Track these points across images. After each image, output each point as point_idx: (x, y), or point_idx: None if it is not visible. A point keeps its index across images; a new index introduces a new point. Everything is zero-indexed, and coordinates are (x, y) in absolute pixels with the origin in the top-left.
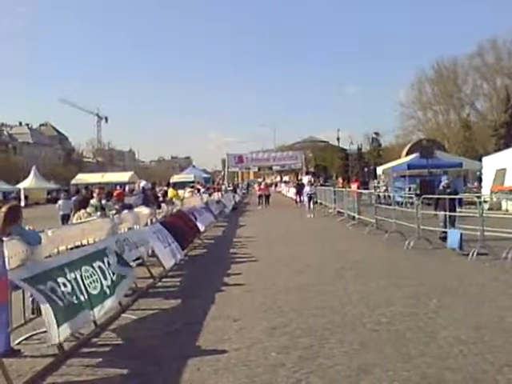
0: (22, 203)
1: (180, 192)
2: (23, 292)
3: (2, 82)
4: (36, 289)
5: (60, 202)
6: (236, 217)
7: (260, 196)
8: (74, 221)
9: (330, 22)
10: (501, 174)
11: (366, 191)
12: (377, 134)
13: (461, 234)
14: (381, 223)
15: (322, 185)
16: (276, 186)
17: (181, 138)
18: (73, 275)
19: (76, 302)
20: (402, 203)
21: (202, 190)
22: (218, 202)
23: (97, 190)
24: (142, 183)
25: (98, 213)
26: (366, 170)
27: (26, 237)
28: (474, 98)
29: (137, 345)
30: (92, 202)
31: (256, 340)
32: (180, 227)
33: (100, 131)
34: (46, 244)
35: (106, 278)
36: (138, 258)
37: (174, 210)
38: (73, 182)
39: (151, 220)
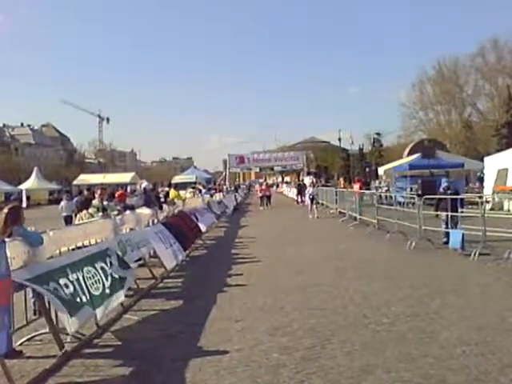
0: (24, 204)
1: (181, 193)
2: (25, 293)
3: (3, 82)
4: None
5: (62, 203)
6: (237, 217)
7: (261, 197)
8: (76, 222)
9: (330, 21)
10: (503, 173)
11: (367, 191)
12: (378, 134)
13: (463, 235)
14: (382, 224)
15: (323, 185)
16: (277, 186)
17: (182, 139)
18: (75, 276)
19: (78, 302)
20: (403, 203)
21: (204, 190)
22: (220, 202)
23: (99, 191)
24: (144, 184)
25: (100, 213)
26: (367, 170)
27: (28, 238)
28: (476, 98)
29: (138, 346)
30: (94, 202)
31: (258, 341)
32: (181, 228)
33: (101, 132)
34: (47, 245)
35: (107, 279)
36: (139, 259)
37: (176, 211)
38: (74, 182)
39: (153, 221)
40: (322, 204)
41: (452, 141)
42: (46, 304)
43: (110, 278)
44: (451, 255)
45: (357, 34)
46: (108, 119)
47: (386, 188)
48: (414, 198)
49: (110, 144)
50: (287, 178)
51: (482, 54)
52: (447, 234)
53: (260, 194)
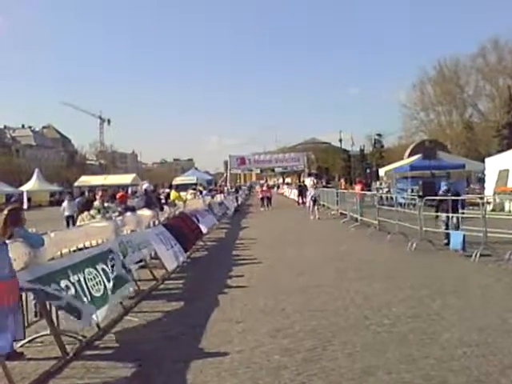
0: (25, 205)
1: (182, 194)
2: (26, 295)
3: (3, 84)
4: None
5: (65, 203)
6: (238, 218)
7: (262, 198)
8: (78, 223)
9: (330, 21)
10: (504, 174)
11: (368, 192)
12: (379, 135)
13: (463, 236)
14: (383, 225)
15: (324, 186)
16: (278, 187)
17: (183, 140)
18: (76, 277)
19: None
20: (404, 204)
21: (205, 192)
22: (221, 203)
23: (100, 193)
24: (145, 185)
25: (100, 215)
26: (368, 171)
27: (29, 239)
28: (477, 98)
29: (139, 347)
30: (95, 204)
31: (259, 342)
32: (182, 229)
33: (102, 133)
34: (48, 246)
35: (109, 280)
36: (140, 260)
37: (177, 212)
38: (76, 184)
39: (154, 222)
40: (323, 205)
41: (453, 142)
42: (47, 306)
43: (111, 280)
44: (452, 256)
45: (357, 34)
46: (109, 121)
47: (386, 189)
48: (414, 199)
49: (110, 145)
50: (288, 180)
51: (482, 54)
52: (448, 235)
53: (260, 196)
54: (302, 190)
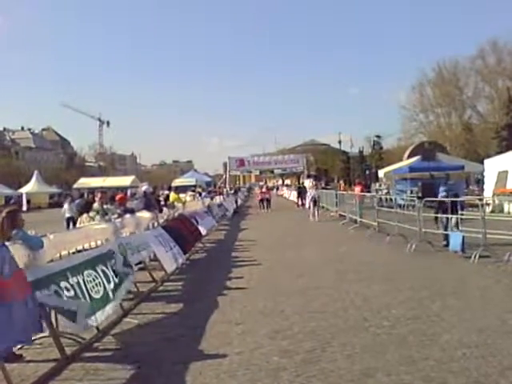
0: (24, 208)
1: (181, 196)
2: None
3: (3, 85)
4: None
5: (65, 205)
6: (237, 220)
7: (261, 200)
8: (77, 225)
9: (330, 21)
10: (503, 176)
11: (368, 194)
12: (378, 136)
13: (463, 237)
14: (383, 226)
15: (323, 188)
16: (277, 189)
17: (182, 142)
18: (75, 279)
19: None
20: (403, 206)
21: (204, 193)
22: (220, 205)
23: (99, 195)
24: (144, 187)
25: (99, 217)
26: (367, 172)
27: (29, 241)
28: (476, 100)
29: (139, 349)
30: (94, 206)
31: (258, 344)
32: (181, 231)
33: (102, 135)
34: (48, 248)
35: (109, 282)
36: (139, 262)
37: (176, 214)
38: (75, 186)
39: (153, 224)
40: (323, 207)
41: (452, 143)
42: (46, 308)
43: (111, 281)
44: (451, 258)
45: (357, 34)
46: (108, 123)
47: (386, 190)
48: (414, 201)
49: (110, 147)
50: (287, 181)
51: (481, 56)
52: (447, 237)
53: (259, 198)
54: (302, 192)
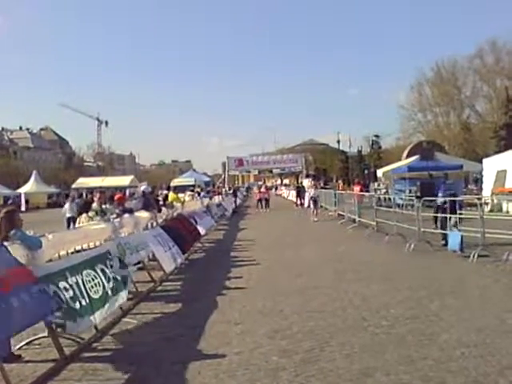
0: (23, 208)
1: (180, 195)
2: None
3: (2, 86)
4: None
5: (67, 205)
6: (236, 220)
7: (259, 200)
8: (77, 225)
9: (330, 21)
10: (501, 175)
11: (366, 193)
12: (377, 136)
13: (461, 236)
14: (381, 226)
15: (322, 187)
16: (276, 188)
17: (181, 142)
18: (74, 279)
19: (77, 306)
20: (402, 205)
21: (203, 193)
22: (219, 205)
23: (98, 194)
24: (143, 187)
25: (98, 217)
26: (366, 172)
27: (27, 241)
28: (474, 99)
29: (137, 349)
30: (93, 206)
31: (257, 344)
32: (180, 231)
33: (100, 135)
34: (46, 248)
35: (108, 281)
36: (138, 262)
37: (175, 214)
38: (73, 186)
39: (152, 224)
40: (321, 206)
41: (450, 143)
42: None
43: (111, 281)
44: (450, 257)
45: (357, 34)
46: (107, 122)
47: (384, 190)
48: (412, 200)
49: (108, 147)
50: (286, 181)
51: (480, 55)
52: (446, 236)
53: (258, 198)
54: (301, 192)
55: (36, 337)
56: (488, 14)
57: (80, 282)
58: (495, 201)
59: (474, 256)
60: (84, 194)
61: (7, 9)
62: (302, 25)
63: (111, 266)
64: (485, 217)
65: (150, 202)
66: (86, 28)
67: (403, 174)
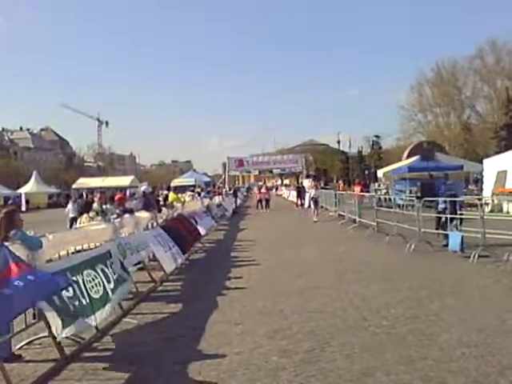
0: (23, 208)
1: (180, 196)
2: None
3: (2, 86)
4: None
5: (70, 205)
6: (237, 220)
7: (259, 200)
8: (77, 225)
9: (330, 21)
10: (502, 176)
11: (367, 194)
12: (377, 136)
13: (462, 237)
14: (382, 226)
15: (322, 188)
16: (277, 189)
17: (182, 142)
18: (74, 279)
19: (78, 306)
20: (402, 206)
21: (203, 193)
22: (219, 205)
23: (98, 195)
24: (143, 187)
25: (98, 217)
26: (366, 172)
27: (27, 241)
28: (475, 100)
29: (138, 349)
30: (94, 206)
31: (257, 344)
32: (181, 231)
33: (101, 135)
34: (47, 249)
35: (109, 282)
36: (139, 262)
37: (175, 214)
38: (74, 186)
39: (152, 224)
40: (322, 207)
41: (451, 143)
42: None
43: (111, 281)
44: (450, 257)
45: (357, 34)
46: (107, 123)
47: (385, 190)
48: (413, 201)
49: (109, 147)
50: (286, 181)
51: (480, 55)
52: (446, 237)
53: (258, 198)
54: (301, 192)
55: (36, 336)
56: (488, 14)
57: (80, 281)
58: (495, 201)
59: (474, 256)
60: (84, 195)
61: (7, 9)
62: (302, 25)
63: (111, 267)
64: (485, 217)
65: (151, 203)
66: (86, 28)
67: (403, 175)
